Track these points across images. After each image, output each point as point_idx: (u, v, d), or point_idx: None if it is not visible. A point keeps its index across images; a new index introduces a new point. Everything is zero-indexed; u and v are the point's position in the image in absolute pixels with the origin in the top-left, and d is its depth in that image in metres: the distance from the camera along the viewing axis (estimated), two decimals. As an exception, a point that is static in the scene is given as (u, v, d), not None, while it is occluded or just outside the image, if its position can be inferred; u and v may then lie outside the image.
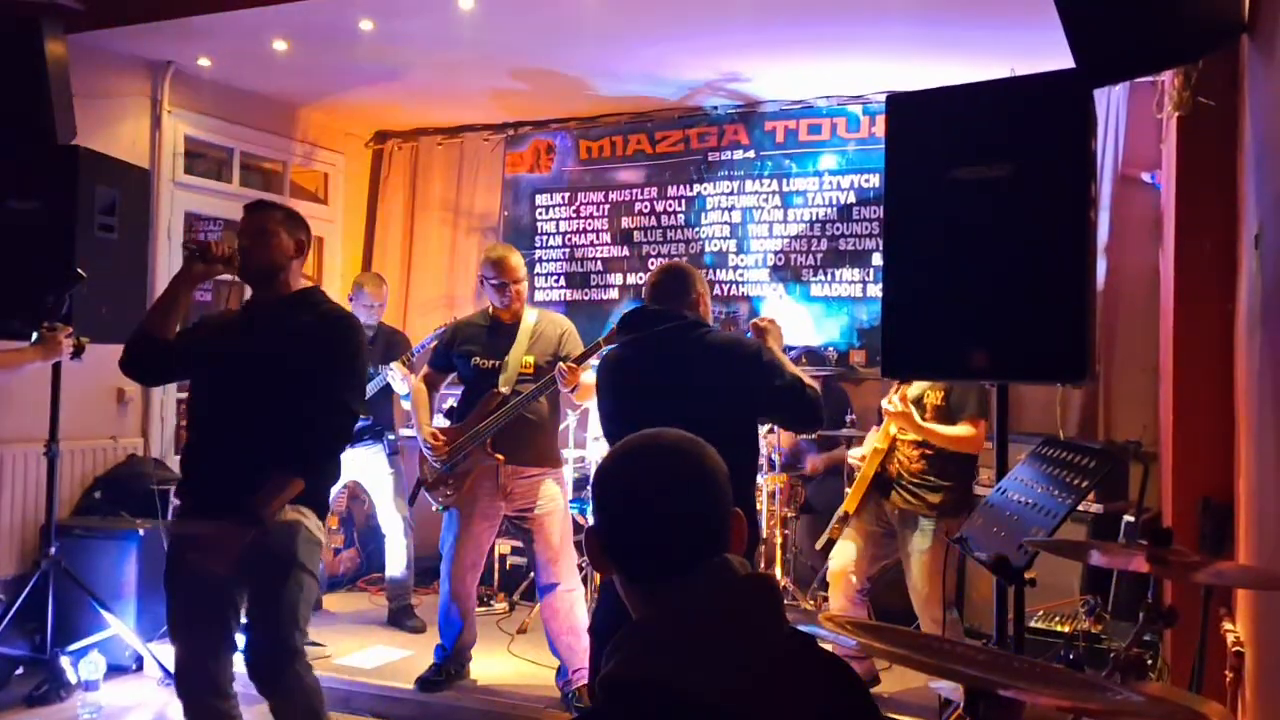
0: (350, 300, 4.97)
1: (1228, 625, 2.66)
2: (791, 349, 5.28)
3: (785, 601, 4.43)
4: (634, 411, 2.84)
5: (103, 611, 3.93)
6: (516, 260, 3.88)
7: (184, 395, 5.50)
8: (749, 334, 3.15)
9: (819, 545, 4.00)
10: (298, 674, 2.66)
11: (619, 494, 1.27)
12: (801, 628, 1.28)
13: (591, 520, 1.32)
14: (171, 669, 3.85)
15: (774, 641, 1.16)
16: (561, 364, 3.71)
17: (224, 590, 2.64)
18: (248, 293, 2.87)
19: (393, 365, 4.61)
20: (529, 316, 3.91)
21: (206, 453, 2.72)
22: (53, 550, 3.86)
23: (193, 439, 2.82)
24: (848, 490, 3.98)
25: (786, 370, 2.85)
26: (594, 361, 3.91)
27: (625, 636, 1.17)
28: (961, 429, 3.62)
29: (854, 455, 3.97)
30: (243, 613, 2.67)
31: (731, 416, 2.75)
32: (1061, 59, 2.24)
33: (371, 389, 4.77)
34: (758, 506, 4.53)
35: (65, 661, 3.81)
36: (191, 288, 2.84)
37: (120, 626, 3.96)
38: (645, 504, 1.24)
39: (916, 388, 3.73)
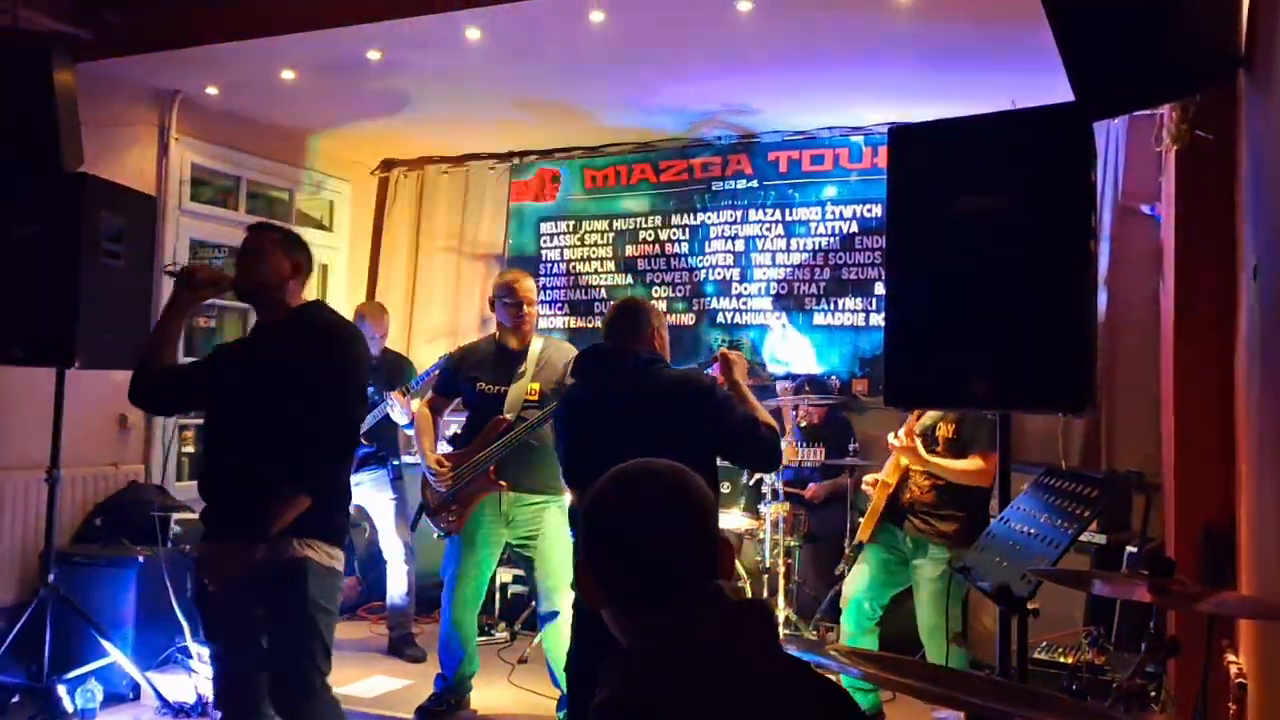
0: (351, 330, 4.99)
1: (1231, 656, 2.64)
2: (794, 377, 5.29)
3: (788, 632, 4.42)
4: (590, 450, 2.81)
5: (101, 640, 3.91)
6: (529, 284, 3.91)
7: (187, 422, 5.52)
8: (713, 366, 3.12)
9: (837, 572, 4.00)
10: (320, 712, 2.69)
11: (609, 525, 1.28)
12: (804, 656, 1.29)
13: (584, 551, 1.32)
14: (169, 698, 3.87)
15: (766, 667, 1.16)
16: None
17: (249, 612, 2.67)
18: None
19: (390, 395, 4.60)
20: (535, 344, 3.92)
21: (218, 475, 2.76)
22: (51, 578, 3.83)
23: (207, 462, 2.87)
24: (860, 519, 3.98)
25: (740, 408, 2.82)
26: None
27: (617, 664, 1.18)
28: (970, 463, 3.62)
29: (869, 479, 3.98)
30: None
31: (684, 452, 2.71)
32: (1061, 95, 2.27)
33: (376, 415, 4.78)
34: (759, 536, 4.54)
35: (62, 690, 3.76)
36: (182, 314, 2.83)
37: (118, 655, 3.93)
38: (635, 534, 1.25)
39: (928, 419, 3.73)
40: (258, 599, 2.65)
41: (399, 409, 4.55)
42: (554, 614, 3.77)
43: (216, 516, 2.75)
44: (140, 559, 4.22)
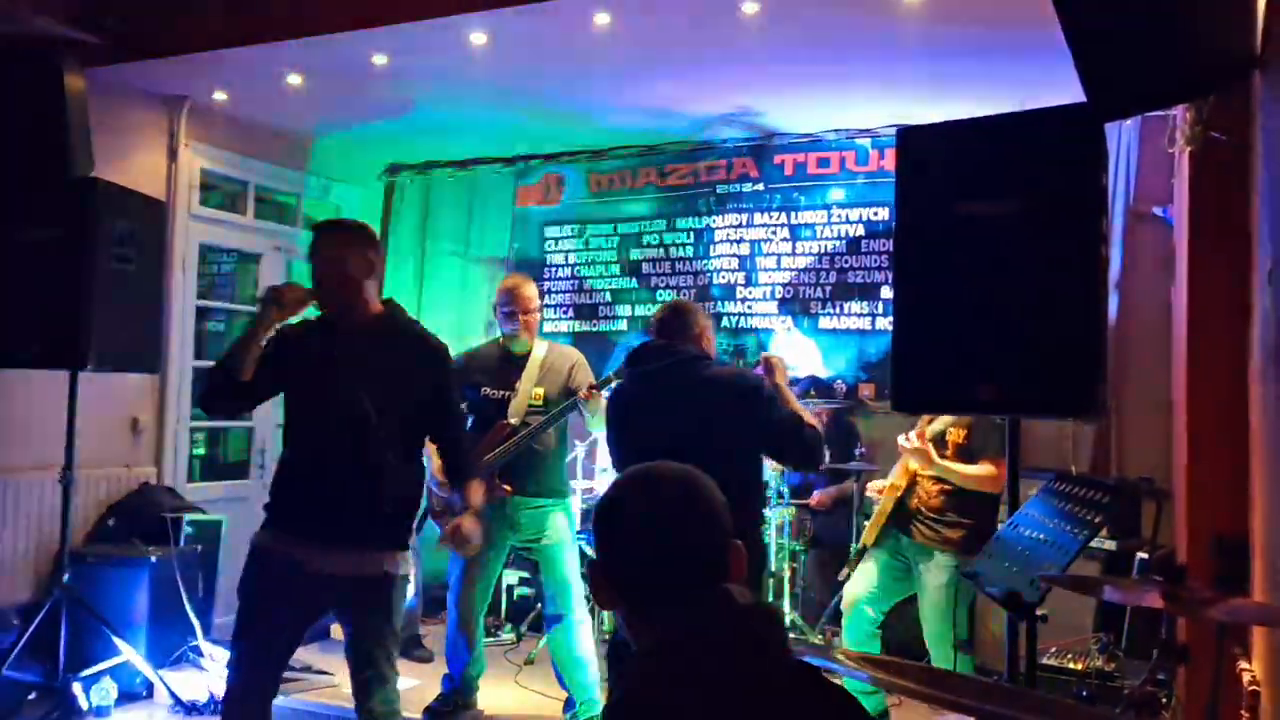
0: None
1: (1243, 664, 2.62)
2: (799, 381, 5.28)
3: (794, 636, 4.41)
4: (639, 445, 2.91)
5: (115, 639, 3.94)
6: (529, 291, 3.91)
7: (198, 425, 5.53)
8: (757, 368, 3.18)
9: (840, 577, 3.98)
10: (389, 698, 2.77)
11: (620, 527, 1.28)
12: (811, 660, 1.28)
13: (594, 554, 1.33)
14: (182, 696, 3.89)
15: (775, 670, 1.16)
16: (587, 387, 3.72)
17: (305, 609, 2.74)
18: None
19: None
20: (539, 349, 3.93)
21: (311, 474, 2.72)
22: (66, 578, 3.86)
23: (295, 459, 2.79)
24: (865, 523, 3.97)
25: (786, 406, 2.90)
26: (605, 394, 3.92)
27: (631, 666, 1.18)
28: (981, 468, 3.60)
29: (874, 486, 3.96)
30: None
31: (731, 449, 2.81)
32: (1072, 94, 2.25)
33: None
34: (765, 540, 4.53)
35: (77, 688, 3.81)
36: (266, 331, 2.79)
37: (132, 653, 3.97)
38: (646, 536, 1.25)
39: (939, 424, 3.71)
40: (338, 603, 2.74)
41: None
42: (560, 616, 3.77)
43: (305, 516, 2.69)
44: (153, 559, 4.25)
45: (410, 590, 4.82)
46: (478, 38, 4.13)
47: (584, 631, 3.79)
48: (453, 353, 4.68)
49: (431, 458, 3.91)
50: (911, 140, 2.56)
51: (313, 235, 2.83)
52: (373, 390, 2.65)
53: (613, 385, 3.82)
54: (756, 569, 2.98)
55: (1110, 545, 4.04)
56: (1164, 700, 3.02)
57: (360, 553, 2.66)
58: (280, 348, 2.81)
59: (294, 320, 2.82)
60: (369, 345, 2.73)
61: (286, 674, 4.26)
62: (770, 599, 4.60)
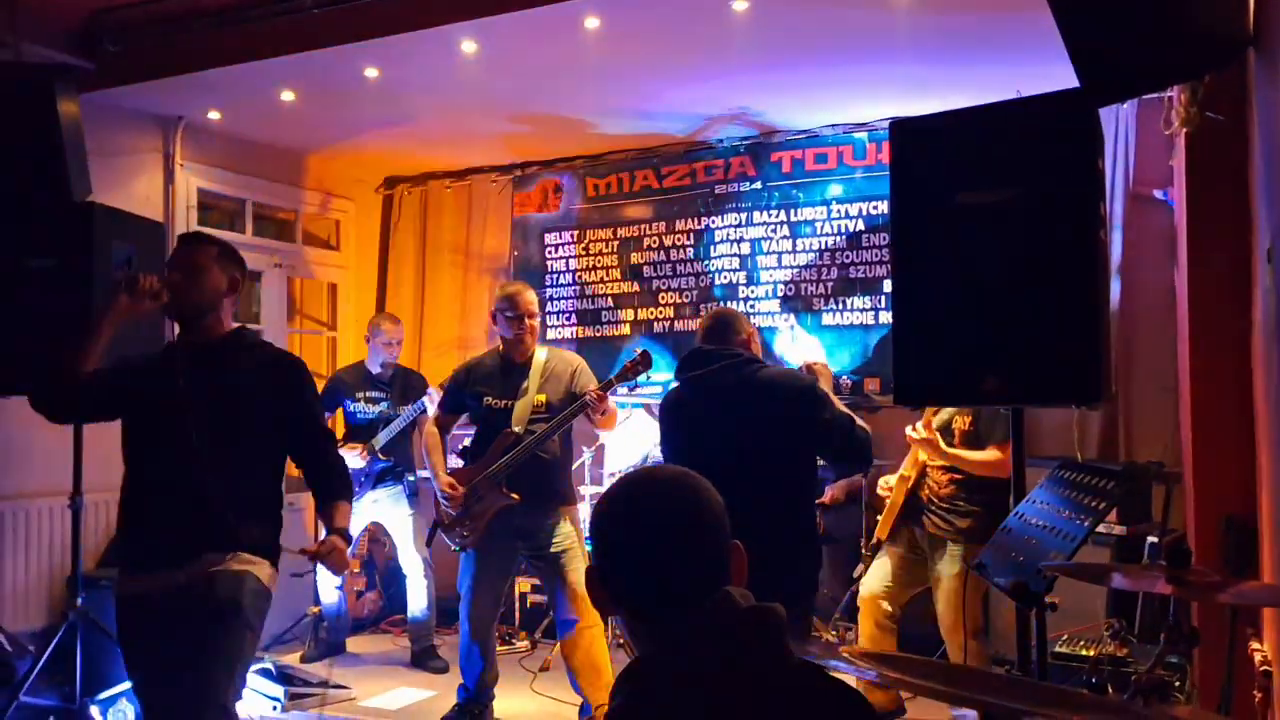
0: (367, 340, 5.02)
1: (1255, 645, 2.61)
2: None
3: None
4: (693, 446, 2.96)
5: (128, 662, 3.94)
6: (530, 296, 3.91)
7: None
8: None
9: (855, 574, 3.98)
10: None
11: (617, 533, 1.27)
12: (819, 660, 1.27)
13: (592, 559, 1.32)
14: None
15: (778, 672, 1.15)
16: (592, 391, 3.71)
17: (178, 644, 2.50)
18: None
19: (431, 390, 4.69)
20: (540, 355, 3.92)
21: (159, 505, 2.58)
22: (80, 601, 3.87)
23: (137, 492, 2.66)
24: (876, 517, 3.96)
25: (837, 407, 2.93)
26: (621, 390, 3.93)
27: (630, 673, 1.17)
28: (989, 454, 3.60)
29: (884, 482, 3.96)
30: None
31: (785, 448, 2.87)
32: (1067, 82, 2.24)
33: (392, 430, 4.79)
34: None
35: (94, 710, 3.82)
36: (115, 319, 2.66)
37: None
38: (644, 541, 1.24)
39: (945, 414, 3.71)
40: (177, 622, 2.51)
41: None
42: (572, 622, 3.76)
43: (155, 546, 2.56)
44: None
45: (424, 602, 4.85)
46: (468, 46, 4.13)
47: (597, 637, 3.78)
48: (455, 362, 4.73)
49: (437, 473, 3.92)
50: (905, 132, 2.54)
51: (179, 243, 2.76)
52: (209, 411, 2.54)
53: (616, 388, 3.82)
54: (813, 567, 3.00)
55: (1120, 530, 4.02)
56: (1179, 684, 3.00)
57: (190, 562, 2.49)
58: (121, 371, 2.68)
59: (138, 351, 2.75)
60: (210, 364, 2.61)
61: (301, 689, 4.29)
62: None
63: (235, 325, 2.75)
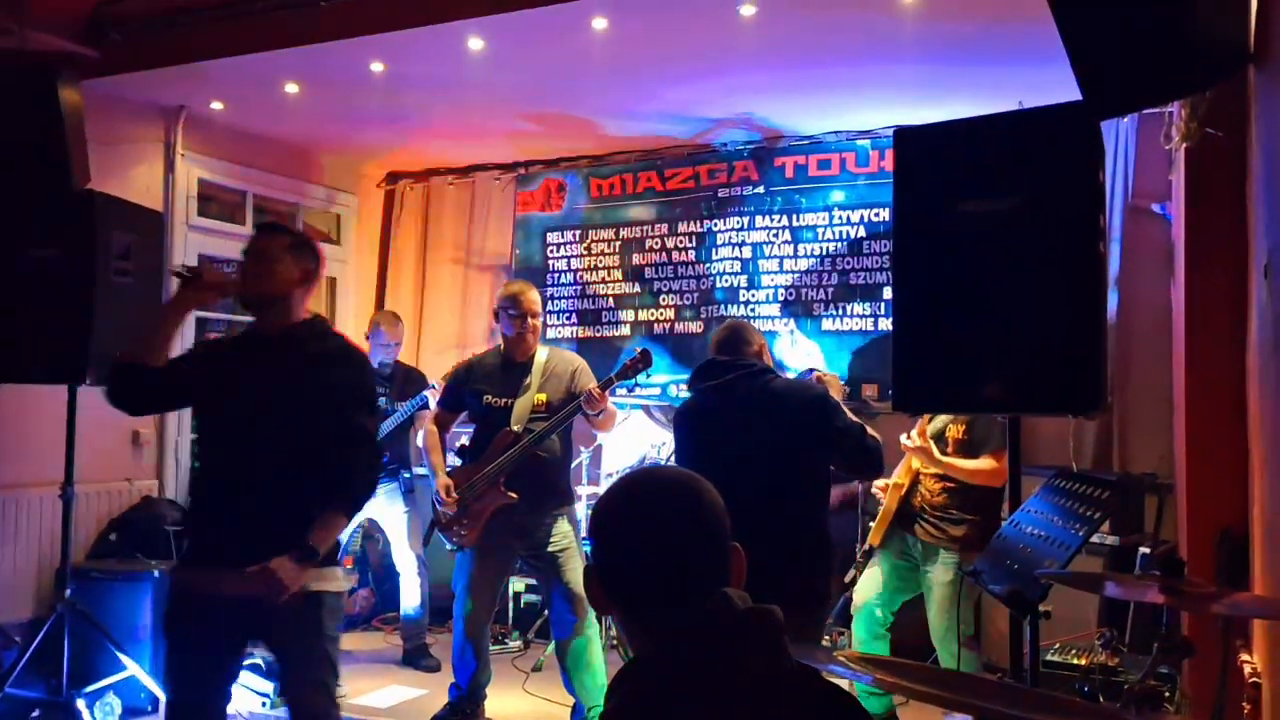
0: (367, 339, 5.01)
1: (1245, 656, 2.62)
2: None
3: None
4: (707, 454, 3.00)
5: (119, 653, 3.93)
6: (534, 295, 3.91)
7: (198, 437, 5.53)
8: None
9: (846, 580, 3.98)
10: None
11: (616, 532, 1.27)
12: (815, 664, 1.28)
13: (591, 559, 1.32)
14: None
15: (775, 676, 1.15)
16: (591, 389, 3.71)
17: (229, 643, 2.57)
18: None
19: (435, 383, 4.66)
20: (540, 354, 3.92)
21: (221, 497, 2.58)
22: (68, 593, 3.86)
23: (204, 480, 2.69)
24: (871, 524, 3.97)
25: (849, 416, 2.99)
26: (620, 391, 3.93)
27: (626, 674, 1.18)
28: (982, 463, 3.61)
29: (878, 485, 3.97)
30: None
31: (798, 455, 2.92)
32: (1070, 93, 2.25)
33: (388, 426, 4.79)
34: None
35: (81, 704, 3.79)
36: (181, 314, 2.72)
37: (136, 668, 3.95)
38: (642, 541, 1.24)
39: (939, 422, 3.72)
40: (265, 632, 2.55)
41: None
42: (568, 622, 3.76)
43: (216, 537, 2.56)
44: (156, 573, 4.23)
45: (417, 600, 4.84)
46: (474, 43, 4.14)
47: (592, 637, 3.79)
48: (455, 360, 4.73)
49: (437, 473, 3.92)
50: (908, 140, 2.56)
51: (255, 232, 2.74)
52: (281, 402, 2.53)
53: (616, 386, 3.83)
54: (827, 572, 3.06)
55: (1114, 540, 4.03)
56: (1169, 694, 3.01)
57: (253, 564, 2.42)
58: (191, 360, 2.69)
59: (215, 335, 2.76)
60: (282, 354, 2.59)
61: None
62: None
63: (309, 315, 2.71)
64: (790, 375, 5.41)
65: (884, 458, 3.07)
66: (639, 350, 3.90)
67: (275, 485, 2.50)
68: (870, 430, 3.01)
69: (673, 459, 4.94)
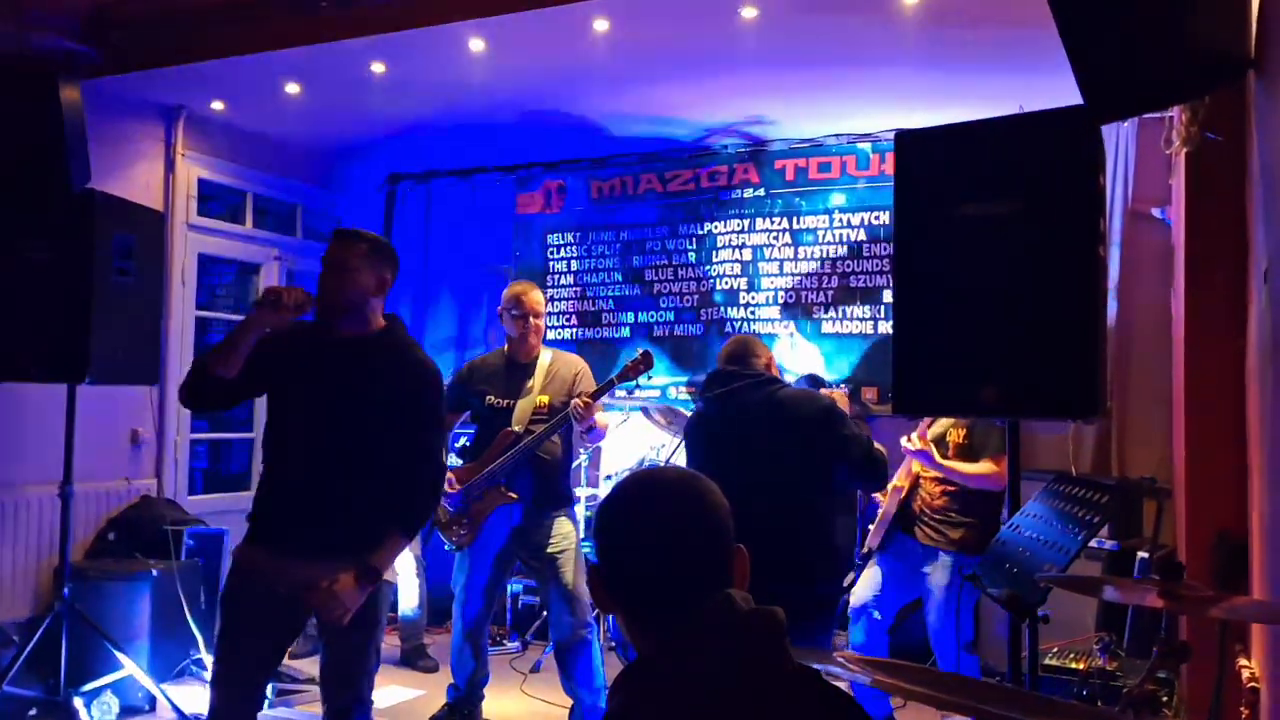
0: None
1: (1243, 661, 2.62)
2: (799, 382, 5.28)
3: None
4: (717, 463, 3.03)
5: (116, 653, 3.93)
6: (537, 296, 3.92)
7: (199, 438, 5.53)
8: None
9: (846, 582, 3.99)
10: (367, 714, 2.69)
11: (620, 532, 1.28)
12: (815, 665, 1.28)
13: (594, 559, 1.33)
14: (185, 710, 3.88)
15: (776, 676, 1.16)
16: (576, 400, 3.71)
17: (286, 623, 2.64)
18: None
19: None
20: (544, 356, 3.93)
21: (289, 486, 2.63)
22: (66, 592, 3.86)
23: (273, 469, 2.71)
24: (870, 527, 3.97)
25: (855, 428, 3.06)
26: (606, 399, 3.93)
27: (628, 674, 1.18)
28: (982, 466, 3.62)
29: None
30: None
31: (805, 462, 2.98)
32: (1070, 98, 2.26)
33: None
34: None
35: (79, 703, 3.79)
36: (256, 333, 2.69)
37: (133, 668, 3.95)
38: (646, 542, 1.25)
39: (939, 426, 3.73)
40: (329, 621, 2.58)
41: None
42: (566, 623, 3.76)
43: (277, 527, 2.62)
44: (154, 572, 4.24)
45: (415, 601, 4.84)
46: (476, 44, 4.15)
47: (590, 639, 3.79)
48: (455, 362, 4.74)
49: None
50: (909, 143, 2.56)
51: (332, 239, 2.75)
52: (353, 405, 2.57)
53: (616, 388, 3.83)
54: (837, 578, 3.15)
55: (1113, 545, 4.04)
56: (1167, 699, 3.02)
57: (334, 562, 2.50)
58: (269, 349, 2.71)
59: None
60: (358, 359, 2.63)
61: (289, 685, 4.29)
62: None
63: (385, 323, 2.73)
64: (792, 378, 5.44)
65: (888, 470, 3.15)
66: (640, 351, 3.90)
67: (343, 484, 2.56)
68: (876, 444, 3.08)
69: (672, 461, 4.95)
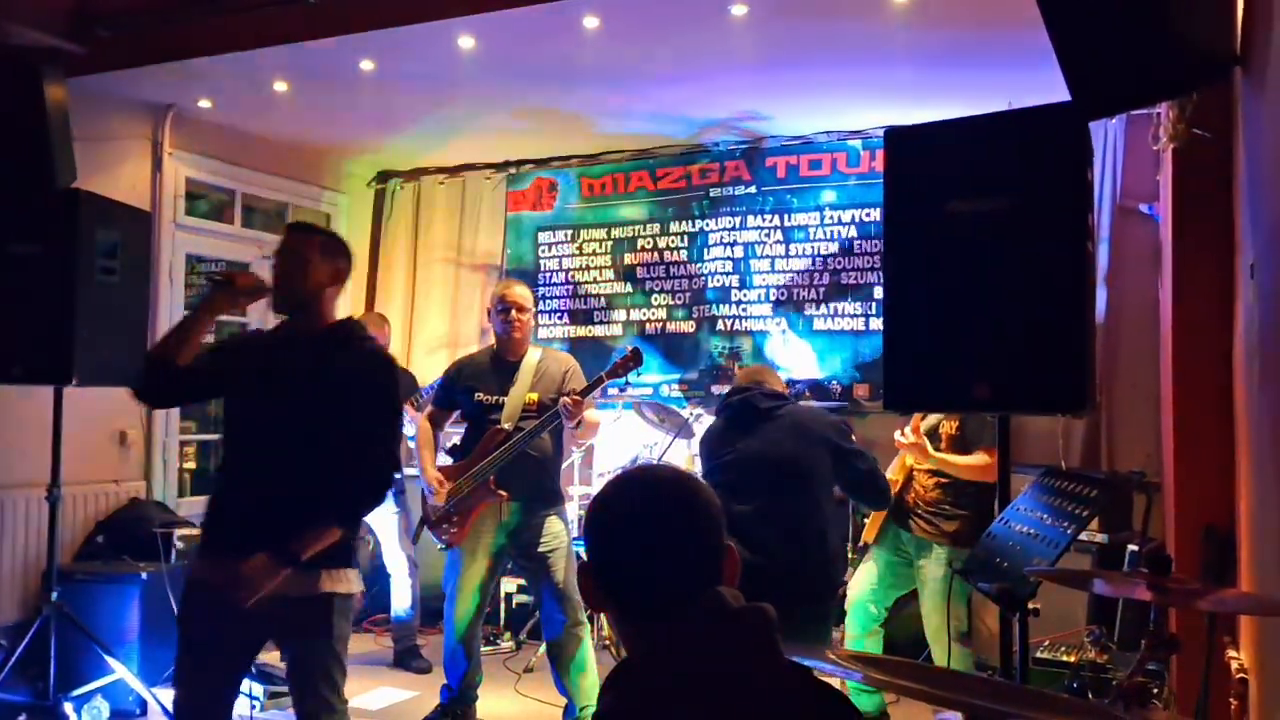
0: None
1: (1231, 652, 2.64)
2: (795, 383, 5.29)
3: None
4: (727, 474, 3.19)
5: (106, 656, 3.91)
6: (522, 291, 3.91)
7: (188, 439, 5.50)
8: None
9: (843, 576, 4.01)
10: None
11: (611, 531, 1.27)
12: (806, 661, 1.28)
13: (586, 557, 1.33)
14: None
15: (767, 674, 1.16)
16: (565, 398, 3.70)
17: (242, 640, 2.55)
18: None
19: (428, 388, 4.63)
20: (533, 354, 3.92)
21: (238, 489, 2.59)
22: (54, 596, 3.83)
23: (225, 473, 2.67)
24: (864, 521, 3.99)
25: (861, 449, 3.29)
26: (596, 396, 3.93)
27: (619, 673, 1.18)
28: (976, 459, 3.64)
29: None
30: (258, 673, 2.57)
31: (811, 468, 3.15)
32: (1059, 95, 2.27)
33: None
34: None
35: (69, 707, 3.77)
36: (213, 316, 2.69)
37: (123, 671, 3.93)
38: (637, 540, 1.25)
39: (932, 418, 3.75)
40: (275, 629, 2.54)
41: (407, 419, 4.56)
42: (559, 621, 3.76)
43: (228, 531, 2.56)
44: (143, 575, 4.21)
45: (407, 602, 4.83)
46: (465, 42, 4.13)
47: (583, 637, 3.78)
48: (446, 360, 4.72)
49: (427, 467, 3.91)
50: (898, 140, 2.56)
51: (286, 232, 2.71)
52: (308, 404, 2.51)
53: (606, 385, 3.82)
54: (829, 583, 3.28)
55: (1102, 538, 4.06)
56: (1156, 690, 3.03)
57: (295, 572, 2.41)
58: (223, 353, 2.69)
59: (250, 328, 2.72)
60: (314, 356, 2.57)
61: (281, 688, 4.27)
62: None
63: (340, 318, 2.69)
64: (785, 375, 5.45)
65: (890, 493, 3.46)
66: (629, 349, 3.90)
67: (293, 485, 2.47)
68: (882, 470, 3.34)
69: (665, 458, 4.96)
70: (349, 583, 2.59)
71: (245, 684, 4.02)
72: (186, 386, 2.69)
